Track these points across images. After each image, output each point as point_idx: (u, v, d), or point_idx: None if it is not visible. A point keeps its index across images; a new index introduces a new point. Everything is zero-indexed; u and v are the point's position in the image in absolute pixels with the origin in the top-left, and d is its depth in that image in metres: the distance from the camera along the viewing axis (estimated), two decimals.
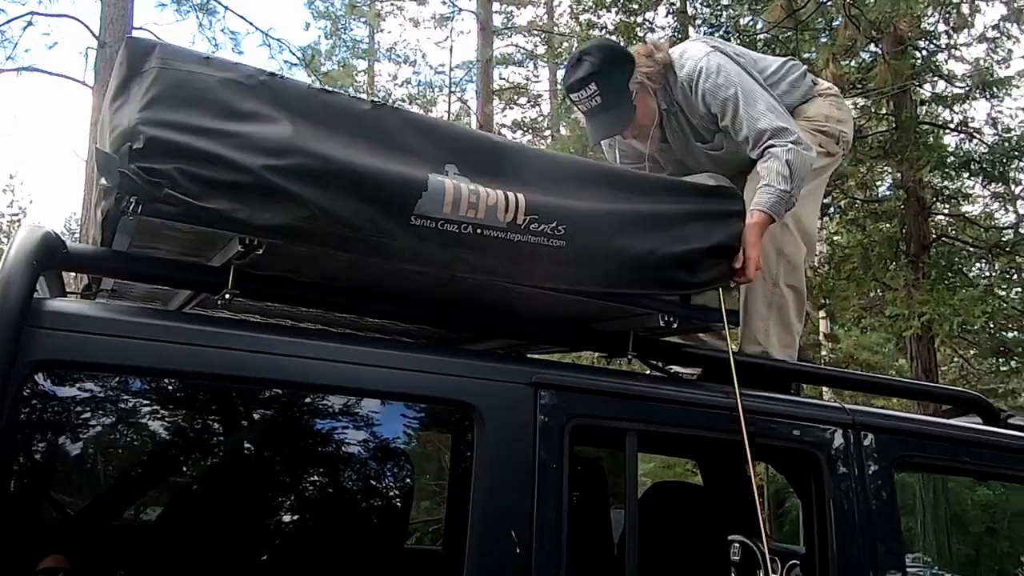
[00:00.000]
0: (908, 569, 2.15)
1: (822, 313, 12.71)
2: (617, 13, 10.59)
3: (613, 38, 9.62)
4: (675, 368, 2.40)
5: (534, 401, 1.73)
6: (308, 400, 1.67)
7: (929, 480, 5.26)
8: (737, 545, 3.05)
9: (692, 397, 1.96)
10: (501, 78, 21.33)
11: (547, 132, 19.27)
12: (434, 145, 1.71)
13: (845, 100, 2.98)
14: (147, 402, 1.60)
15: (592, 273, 1.81)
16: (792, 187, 2.34)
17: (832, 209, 11.01)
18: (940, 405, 3.23)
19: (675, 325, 1.99)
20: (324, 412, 1.68)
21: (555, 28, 17.39)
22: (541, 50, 19.35)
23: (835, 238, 12.07)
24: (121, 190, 1.45)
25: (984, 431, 2.34)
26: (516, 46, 21.11)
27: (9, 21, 11.53)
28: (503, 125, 20.08)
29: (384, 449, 1.74)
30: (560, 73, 14.64)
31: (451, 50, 32.21)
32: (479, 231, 1.67)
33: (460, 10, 19.40)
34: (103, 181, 1.52)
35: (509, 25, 19.82)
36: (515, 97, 21.85)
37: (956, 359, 13.54)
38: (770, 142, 2.39)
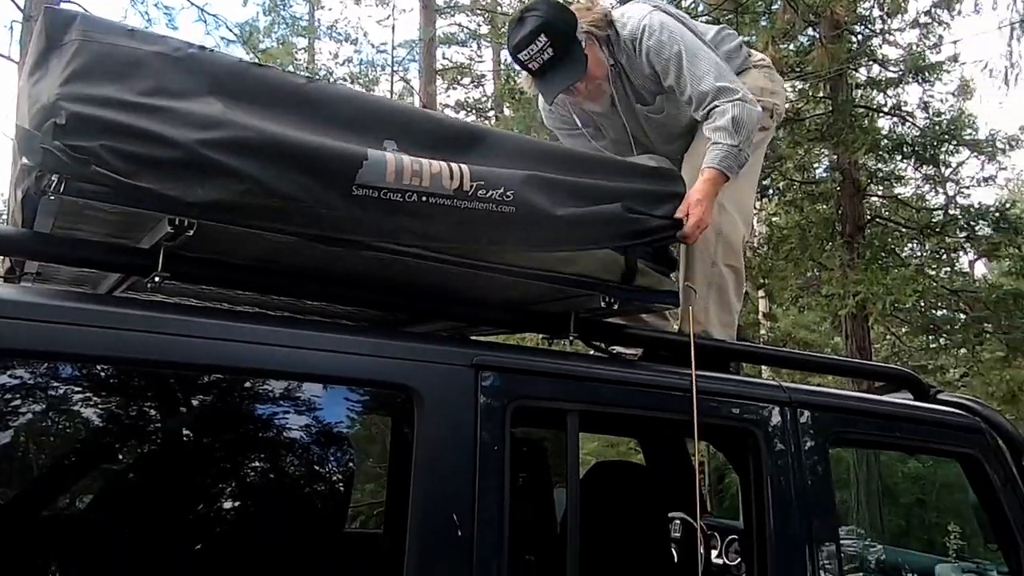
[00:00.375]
0: (842, 541, 2.21)
1: (761, 293, 12.95)
2: None
3: None
4: (616, 348, 2.41)
5: (475, 383, 1.71)
6: (244, 385, 1.63)
7: (862, 455, 5.41)
8: (678, 522, 3.12)
9: (633, 377, 1.97)
10: (444, 58, 21.13)
11: (491, 112, 19.17)
12: (372, 121, 1.68)
13: (777, 74, 2.94)
14: (76, 390, 1.54)
15: (542, 235, 1.80)
16: (741, 141, 2.33)
17: (771, 191, 11.22)
18: (873, 382, 3.31)
19: (616, 307, 1.99)
20: (261, 397, 1.64)
21: (499, 7, 17.27)
22: (485, 30, 19.20)
23: (773, 219, 12.30)
24: (43, 168, 1.39)
25: (914, 407, 2.41)
26: (459, 25, 20.92)
27: None
28: (446, 105, 19.89)
29: (323, 433, 1.70)
30: (504, 54, 14.59)
31: (393, 29, 31.74)
32: (424, 199, 1.64)
33: None
34: (24, 159, 1.45)
35: (452, 4, 19.61)
36: (458, 77, 21.67)
37: (889, 337, 13.93)
38: (714, 102, 2.38)
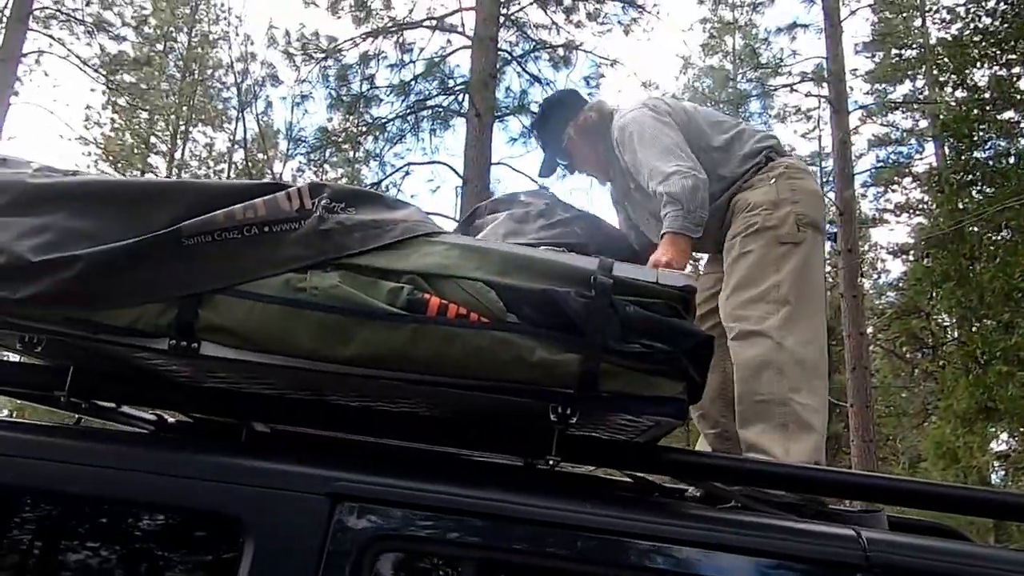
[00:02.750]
0: None
1: None
2: None
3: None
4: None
5: (328, 519, 1.31)
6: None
7: None
8: None
9: (599, 521, 1.41)
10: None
11: None
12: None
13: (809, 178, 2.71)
14: None
15: (399, 228, 1.58)
16: (683, 206, 2.40)
17: None
18: None
19: (574, 419, 1.48)
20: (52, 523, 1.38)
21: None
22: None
23: None
24: None
25: None
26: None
27: (392, 173, 14.78)
28: None
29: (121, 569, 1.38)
30: None
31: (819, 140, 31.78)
32: (267, 228, 1.49)
33: None
34: None
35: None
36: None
37: None
38: (654, 187, 2.48)
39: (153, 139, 26.13)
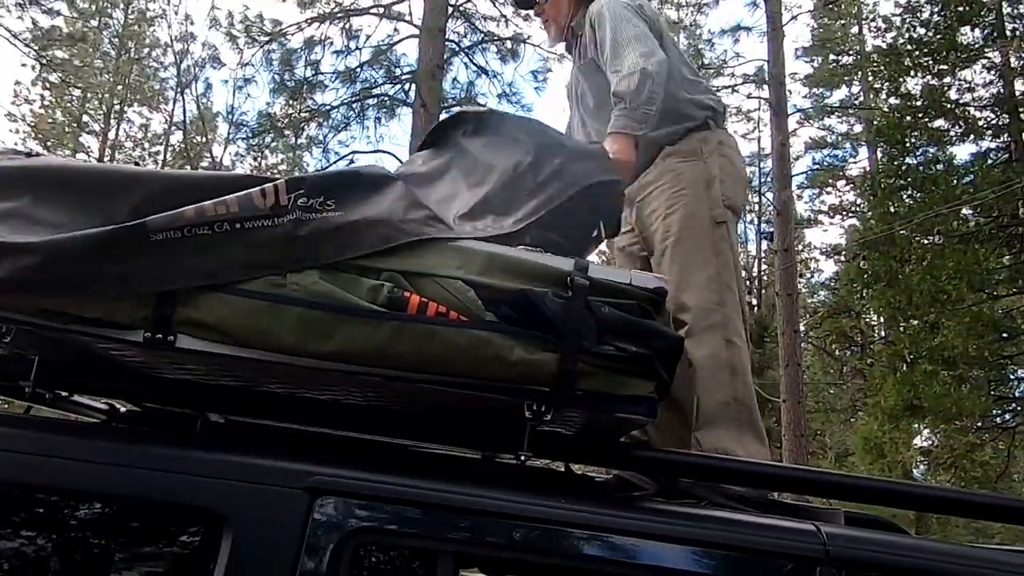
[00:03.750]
0: None
1: None
2: None
3: None
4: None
5: (306, 513, 1.31)
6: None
7: None
8: None
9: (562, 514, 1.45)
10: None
11: None
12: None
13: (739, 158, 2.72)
14: None
15: (376, 233, 1.53)
16: (627, 103, 2.39)
17: None
18: None
19: (547, 416, 1.51)
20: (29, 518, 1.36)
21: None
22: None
23: None
24: None
25: None
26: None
27: (336, 161, 14.39)
28: None
29: (95, 566, 1.37)
30: None
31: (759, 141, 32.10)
32: (239, 225, 1.44)
33: None
34: None
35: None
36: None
37: None
38: (616, 64, 2.48)
39: (86, 118, 25.34)
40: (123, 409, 2.05)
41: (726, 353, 2.34)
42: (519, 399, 1.51)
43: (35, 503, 1.35)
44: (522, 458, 1.63)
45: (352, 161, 14.95)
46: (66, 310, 1.41)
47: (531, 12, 2.96)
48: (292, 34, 14.86)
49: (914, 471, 16.65)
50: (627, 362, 1.54)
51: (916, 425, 14.06)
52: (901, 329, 14.58)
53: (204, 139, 19.77)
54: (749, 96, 20.57)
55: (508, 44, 14.93)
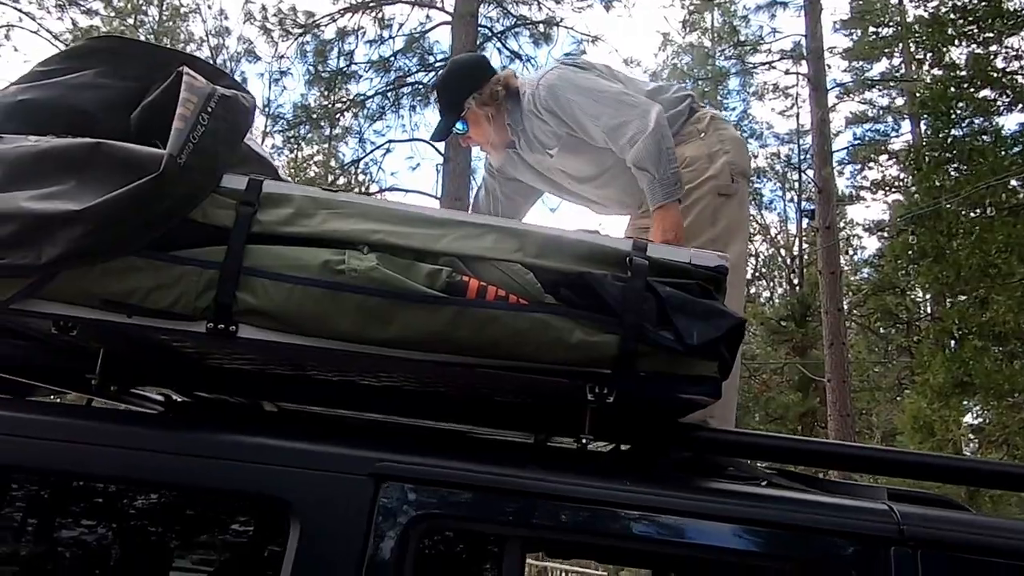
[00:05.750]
0: None
1: None
2: None
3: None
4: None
5: (373, 498, 1.31)
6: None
7: None
8: None
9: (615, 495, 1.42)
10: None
11: None
12: None
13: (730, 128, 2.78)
14: None
15: None
16: (658, 170, 2.40)
17: None
18: None
19: (610, 399, 1.49)
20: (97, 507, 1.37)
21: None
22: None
23: None
24: None
25: None
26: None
27: (372, 150, 15.23)
28: None
29: (161, 554, 1.38)
30: None
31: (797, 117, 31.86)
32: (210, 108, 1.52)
33: None
34: None
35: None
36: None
37: None
38: (619, 139, 2.48)
39: None
40: (178, 399, 2.07)
41: None
42: (581, 382, 1.49)
43: (101, 492, 1.37)
44: (583, 441, 1.62)
45: (389, 151, 15.00)
46: (129, 301, 1.42)
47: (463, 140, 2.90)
48: (325, 25, 14.94)
49: (964, 449, 16.36)
50: (689, 344, 1.51)
51: (966, 403, 13.81)
52: (949, 305, 14.29)
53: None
54: (787, 72, 20.24)
55: (541, 28, 14.85)
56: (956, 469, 1.78)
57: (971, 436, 15.68)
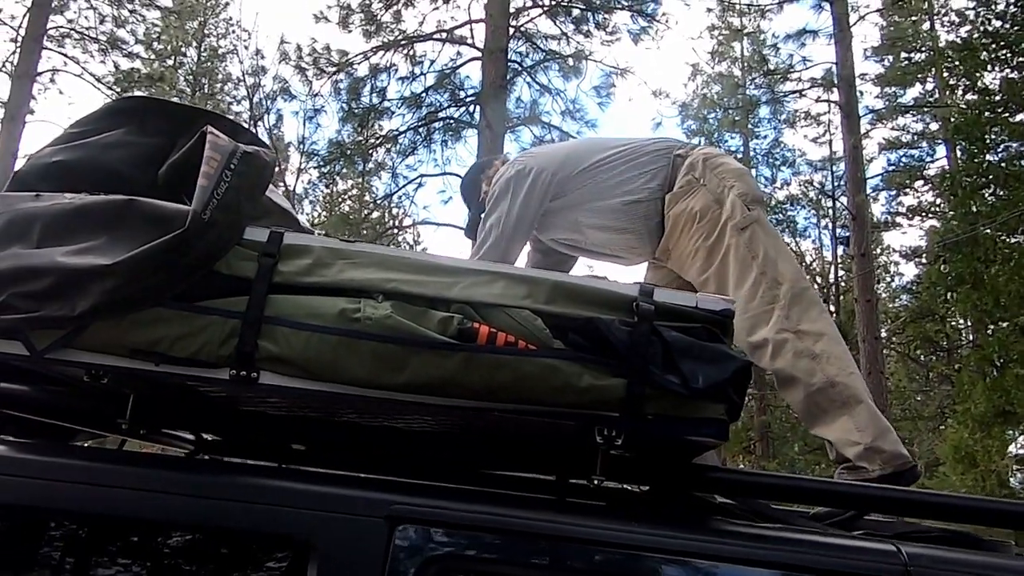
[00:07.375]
0: None
1: None
2: None
3: None
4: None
5: (388, 540, 1.36)
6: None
7: None
8: None
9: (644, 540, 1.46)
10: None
11: None
12: None
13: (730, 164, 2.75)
14: None
15: None
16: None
17: None
18: None
19: (619, 441, 1.53)
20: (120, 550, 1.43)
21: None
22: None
23: None
24: None
25: None
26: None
27: (405, 184, 15.52)
28: None
29: None
30: None
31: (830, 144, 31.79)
32: (230, 166, 1.60)
33: None
34: None
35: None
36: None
37: None
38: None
39: None
40: (208, 438, 2.14)
41: (799, 343, 2.36)
42: (590, 425, 1.53)
43: (129, 535, 1.43)
44: (595, 482, 1.66)
45: (421, 185, 15.19)
46: (156, 350, 1.50)
47: None
48: (358, 63, 15.26)
49: (1011, 479, 15.96)
50: (694, 388, 1.54)
51: (1010, 432, 13.50)
52: (989, 332, 14.03)
53: (277, 169, 20.35)
54: (818, 100, 20.15)
55: (570, 61, 15.01)
56: (977, 510, 1.77)
57: (1017, 467, 15.29)
